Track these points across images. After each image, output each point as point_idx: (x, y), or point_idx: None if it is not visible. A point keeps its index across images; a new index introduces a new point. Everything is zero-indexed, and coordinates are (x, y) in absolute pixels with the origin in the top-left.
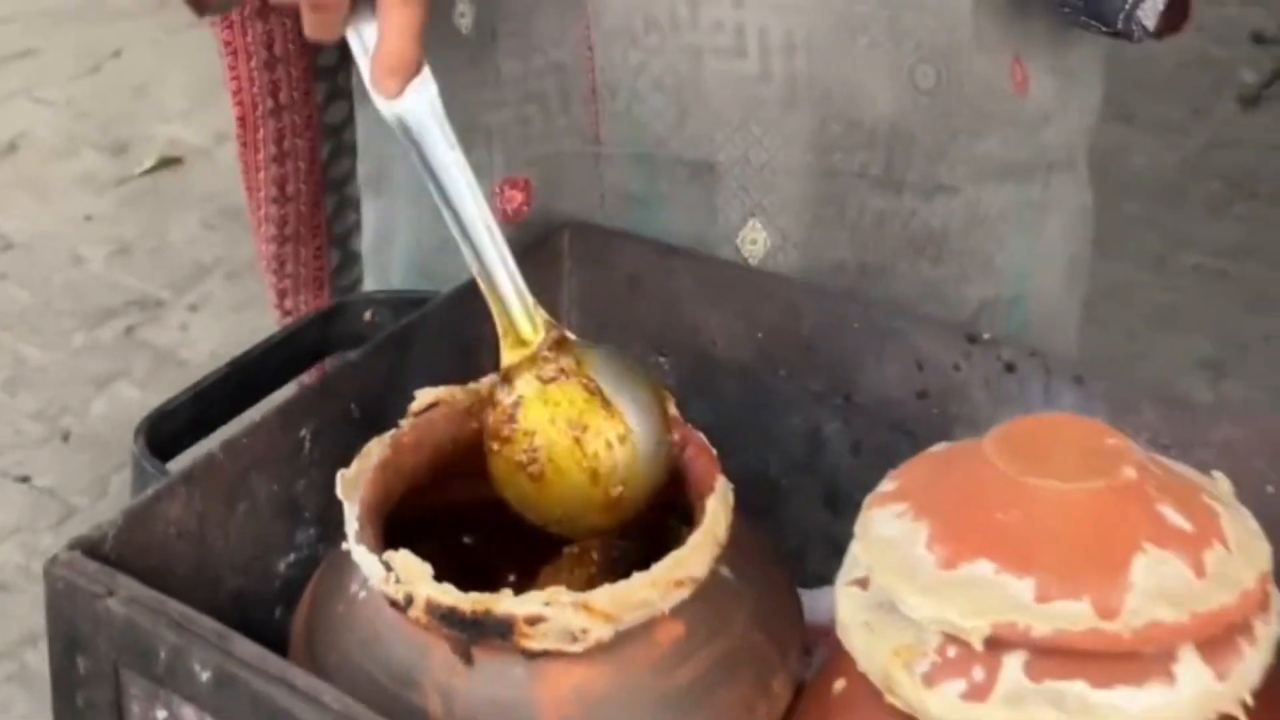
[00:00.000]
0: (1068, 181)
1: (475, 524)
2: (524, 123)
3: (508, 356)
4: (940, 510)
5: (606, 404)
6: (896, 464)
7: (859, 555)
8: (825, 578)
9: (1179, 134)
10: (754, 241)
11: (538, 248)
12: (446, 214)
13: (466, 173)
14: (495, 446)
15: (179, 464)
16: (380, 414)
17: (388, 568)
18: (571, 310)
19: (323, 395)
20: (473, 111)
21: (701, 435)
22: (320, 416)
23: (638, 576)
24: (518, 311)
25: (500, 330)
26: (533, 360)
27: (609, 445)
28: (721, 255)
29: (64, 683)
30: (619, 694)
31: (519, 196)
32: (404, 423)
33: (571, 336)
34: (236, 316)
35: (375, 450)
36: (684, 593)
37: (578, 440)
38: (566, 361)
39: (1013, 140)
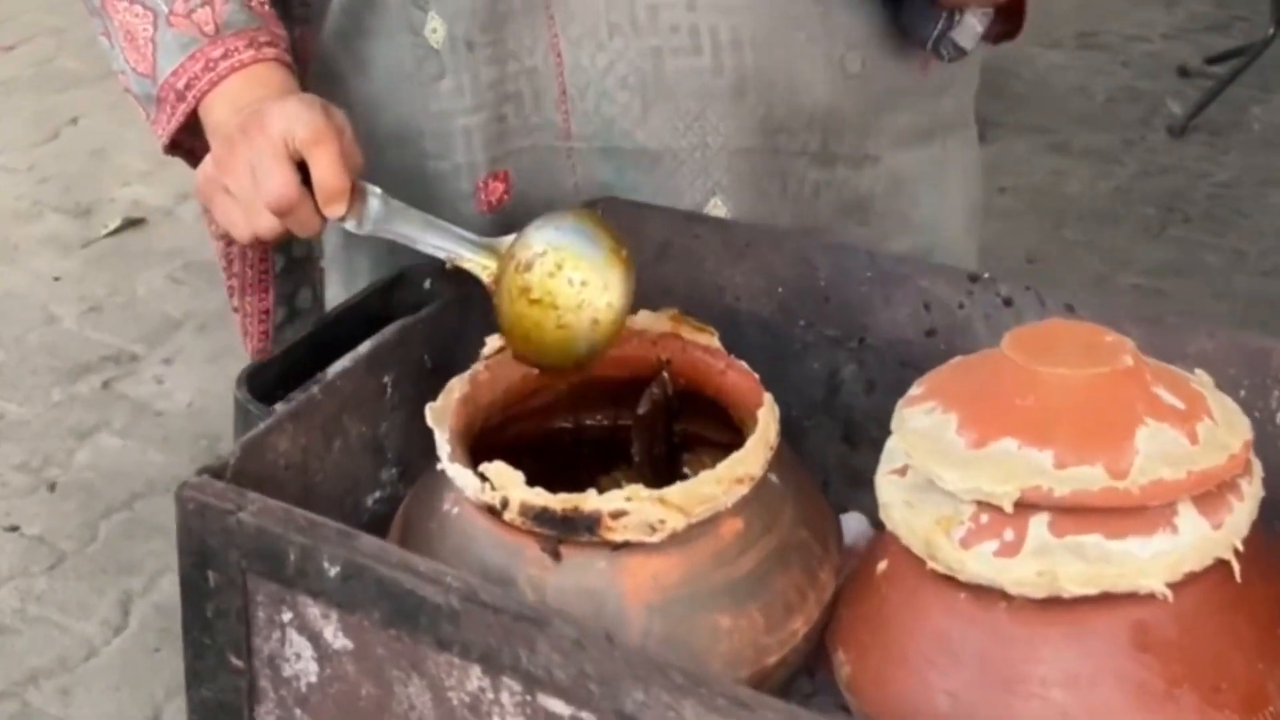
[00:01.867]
0: (961, 140)
1: (531, 457)
2: (500, 120)
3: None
4: (966, 402)
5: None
6: None
7: (896, 448)
8: (846, 506)
9: (1112, 163)
10: (717, 215)
11: None
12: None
13: (425, 222)
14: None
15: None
16: (448, 364)
17: (483, 478)
18: None
19: (400, 347)
20: (451, 117)
21: (743, 363)
22: (399, 365)
23: (704, 474)
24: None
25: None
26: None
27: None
28: None
29: (194, 596)
30: (690, 581)
31: (500, 187)
32: (478, 364)
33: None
34: (210, 367)
35: (457, 387)
36: (743, 489)
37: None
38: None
39: (920, 109)
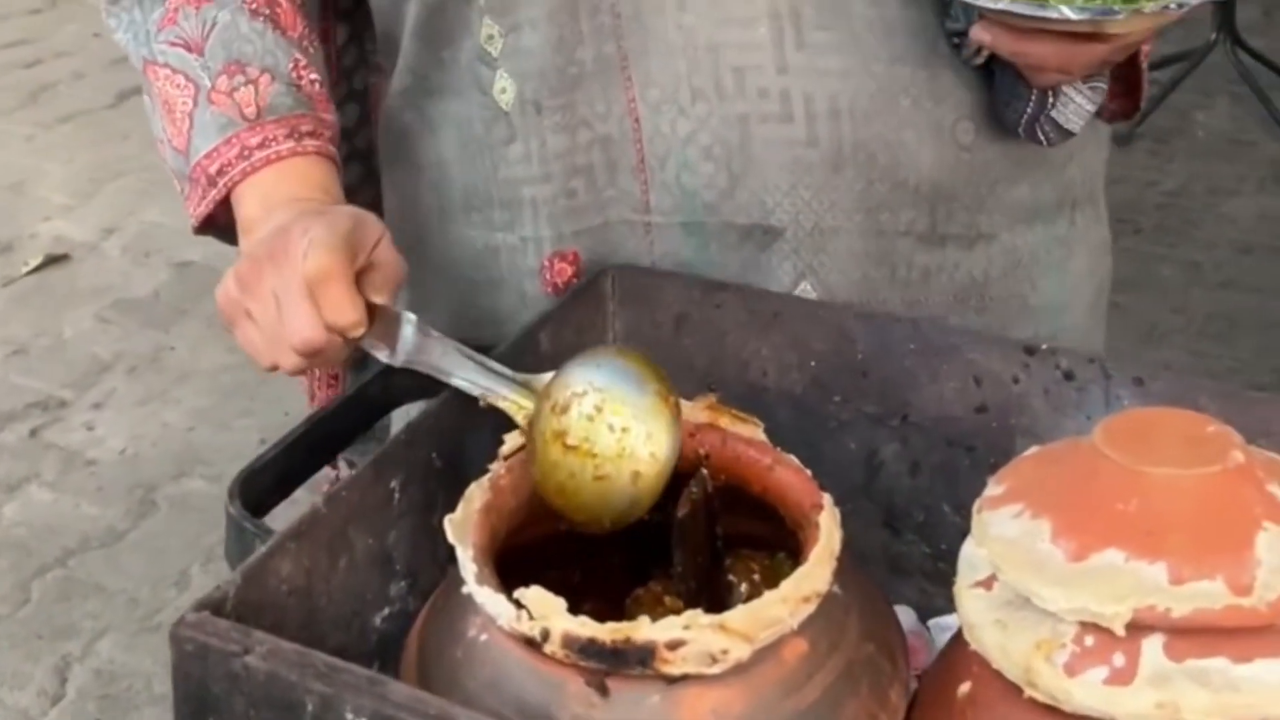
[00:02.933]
0: (1090, 216)
1: (556, 562)
2: (570, 195)
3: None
4: (1058, 505)
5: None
6: (957, 480)
7: (978, 557)
8: (890, 598)
9: None
10: None
11: (581, 292)
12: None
13: (461, 355)
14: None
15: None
16: (458, 463)
17: (518, 605)
18: None
19: (409, 447)
20: (516, 186)
21: (794, 458)
22: (407, 468)
23: (769, 595)
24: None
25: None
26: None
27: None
28: None
29: None
30: (753, 714)
31: (568, 270)
32: (496, 466)
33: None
34: (142, 410)
35: (478, 494)
36: (810, 608)
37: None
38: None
39: (1041, 182)
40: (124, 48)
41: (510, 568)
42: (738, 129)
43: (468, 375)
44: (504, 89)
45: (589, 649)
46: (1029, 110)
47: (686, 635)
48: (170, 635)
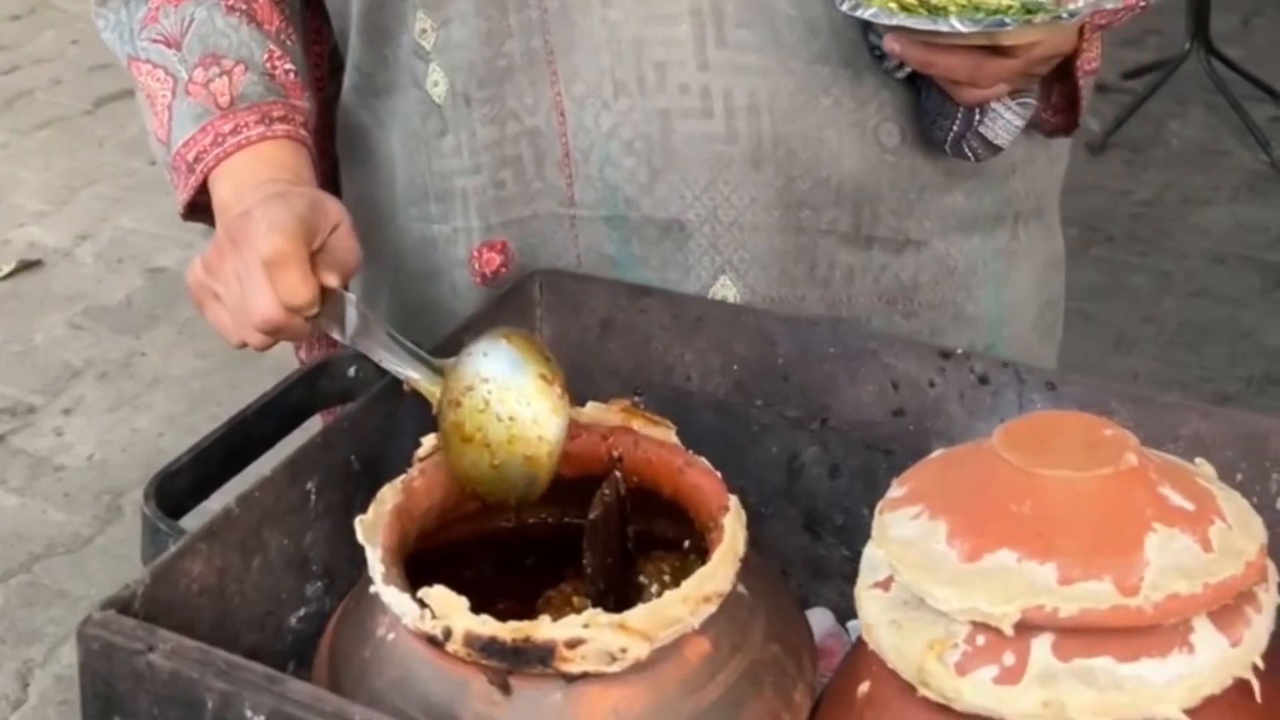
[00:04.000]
0: (1037, 230)
1: (470, 562)
2: (499, 186)
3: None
4: (955, 507)
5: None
6: (875, 484)
7: (878, 558)
8: (810, 600)
9: None
10: (724, 297)
11: (509, 295)
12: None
13: (388, 339)
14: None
15: (187, 523)
16: (377, 465)
17: (422, 605)
18: None
19: (325, 449)
20: (449, 178)
21: (704, 460)
22: (325, 470)
23: (669, 594)
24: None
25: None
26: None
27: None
28: None
29: None
30: (655, 713)
31: (496, 259)
32: (412, 468)
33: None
34: (112, 416)
35: (389, 496)
36: (711, 608)
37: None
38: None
39: (978, 192)
40: (111, 47)
41: (426, 569)
42: (658, 124)
43: (390, 359)
44: (436, 82)
45: (490, 647)
46: (955, 128)
47: (586, 634)
48: (77, 634)
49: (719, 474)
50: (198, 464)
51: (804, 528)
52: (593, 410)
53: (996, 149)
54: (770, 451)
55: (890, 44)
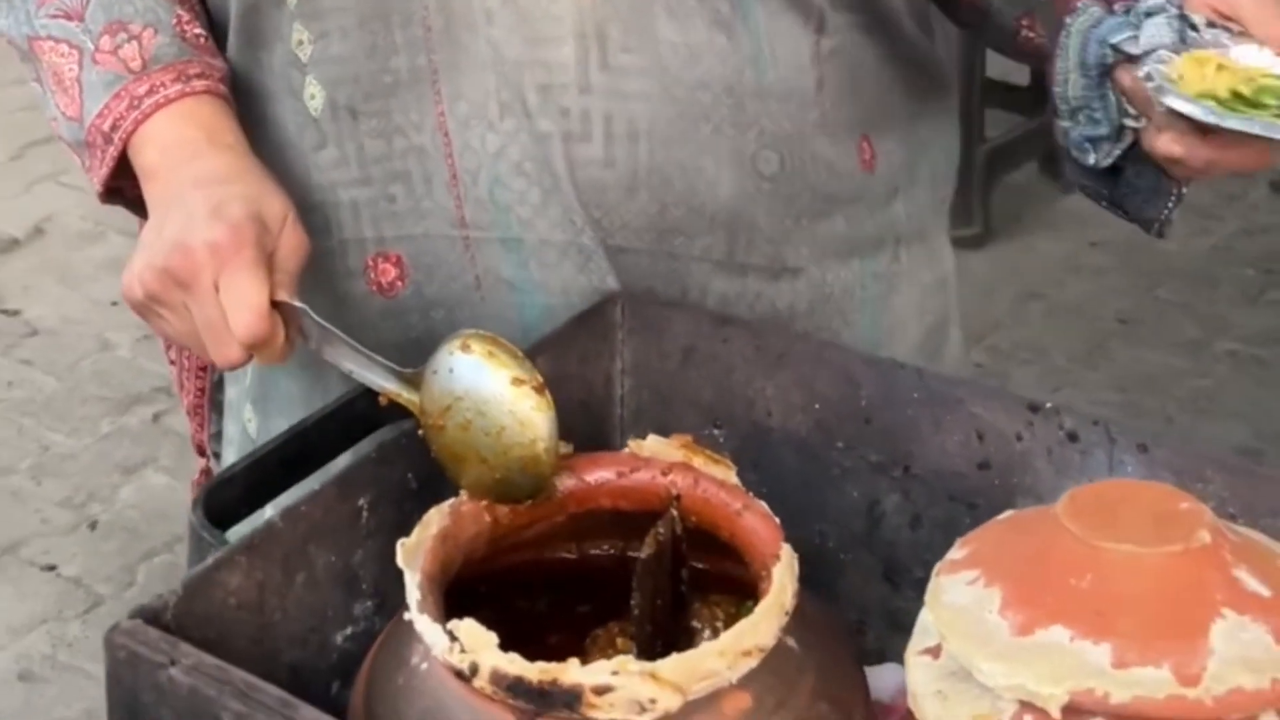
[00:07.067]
0: (920, 254)
1: (525, 591)
2: (390, 200)
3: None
4: (1012, 576)
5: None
6: (957, 536)
7: (930, 623)
8: (885, 653)
9: (1210, 219)
10: None
11: (589, 317)
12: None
13: (349, 349)
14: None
15: (237, 533)
16: (437, 484)
17: (452, 637)
18: (625, 381)
19: (380, 465)
20: (334, 189)
21: (763, 504)
22: (378, 486)
23: (706, 645)
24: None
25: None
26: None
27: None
28: None
29: None
30: None
31: (392, 270)
32: (463, 493)
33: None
34: None
35: (435, 519)
36: (751, 662)
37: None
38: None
39: (859, 217)
40: (7, 34)
41: (478, 596)
42: (543, 146)
43: (363, 371)
44: (313, 95)
45: (516, 687)
46: (1170, 205)
47: (614, 681)
48: (104, 640)
49: (777, 520)
50: (251, 473)
51: (883, 577)
52: (654, 443)
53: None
54: (851, 496)
55: (1171, 145)
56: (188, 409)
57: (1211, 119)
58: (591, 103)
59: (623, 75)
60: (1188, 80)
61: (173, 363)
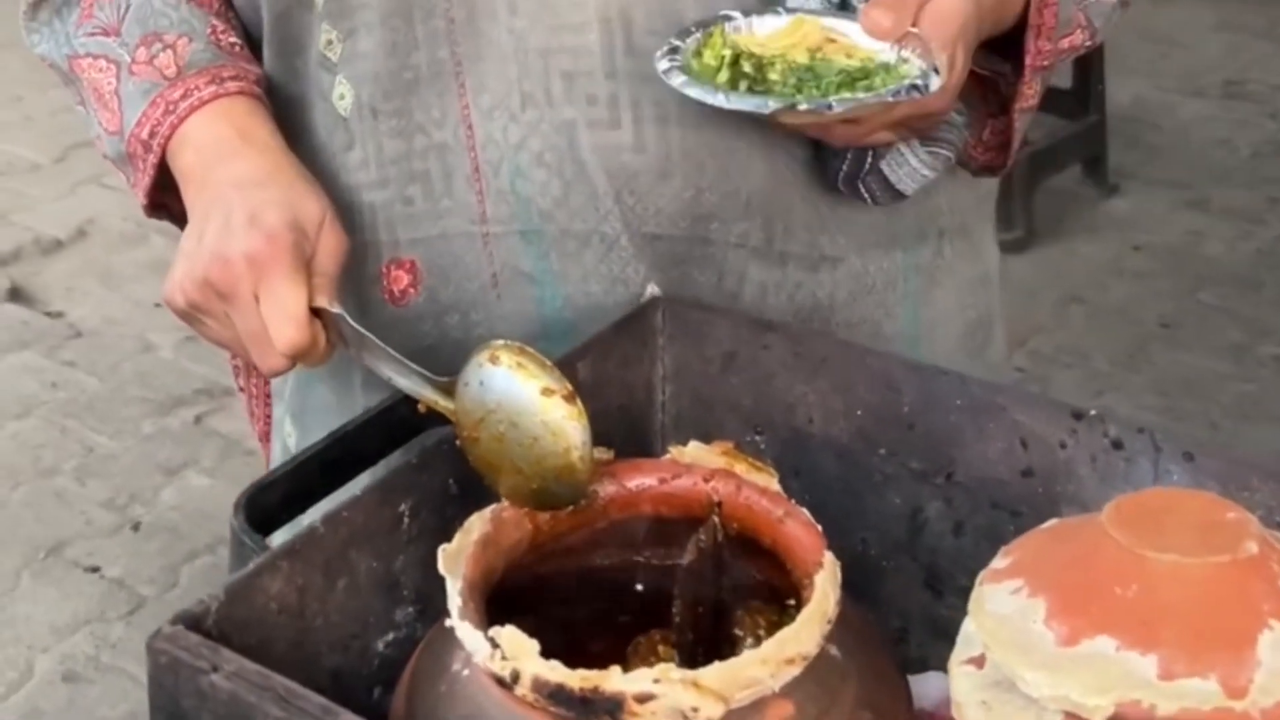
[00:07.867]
0: (962, 249)
1: (566, 598)
2: (407, 202)
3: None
4: (1057, 586)
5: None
6: (1001, 544)
7: (974, 633)
8: (928, 661)
9: (1255, 223)
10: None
11: (628, 321)
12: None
13: (384, 355)
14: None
15: (278, 538)
16: (478, 490)
17: (494, 644)
18: (665, 387)
19: (421, 470)
20: (355, 191)
21: (805, 512)
22: (419, 492)
23: (748, 654)
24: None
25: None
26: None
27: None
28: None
29: None
30: None
31: (405, 278)
32: (504, 499)
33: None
34: None
35: (476, 525)
36: (794, 670)
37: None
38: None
39: (898, 207)
40: (48, 58)
41: (522, 602)
42: (566, 135)
43: (401, 378)
44: (343, 95)
45: (558, 695)
46: (844, 167)
47: (656, 689)
48: (146, 646)
49: (819, 527)
50: (293, 479)
51: (925, 584)
52: (694, 450)
53: (899, 194)
54: (893, 503)
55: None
56: (259, 436)
57: (718, 100)
58: (618, 88)
59: (649, 58)
60: (705, 60)
61: (241, 389)
